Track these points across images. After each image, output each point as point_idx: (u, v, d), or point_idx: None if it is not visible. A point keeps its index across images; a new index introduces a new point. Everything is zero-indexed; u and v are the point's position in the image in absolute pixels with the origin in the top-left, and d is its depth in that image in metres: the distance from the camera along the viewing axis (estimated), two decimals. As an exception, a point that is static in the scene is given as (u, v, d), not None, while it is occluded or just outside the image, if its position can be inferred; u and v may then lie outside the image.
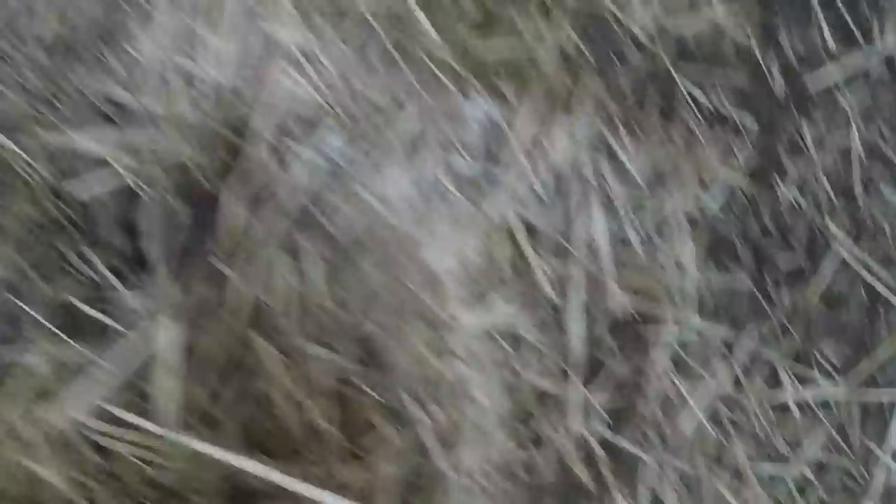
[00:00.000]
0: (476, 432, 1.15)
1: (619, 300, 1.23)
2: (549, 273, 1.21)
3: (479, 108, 1.25)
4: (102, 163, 1.26)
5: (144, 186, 1.24)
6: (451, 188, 1.21)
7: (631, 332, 1.26)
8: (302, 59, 1.26)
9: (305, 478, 1.05)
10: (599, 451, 1.24)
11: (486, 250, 1.20)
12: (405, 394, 1.07)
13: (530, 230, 1.24)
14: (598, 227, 1.23)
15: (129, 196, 1.27)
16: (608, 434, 1.25)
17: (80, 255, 1.23)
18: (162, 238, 1.22)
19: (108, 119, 1.28)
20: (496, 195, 1.22)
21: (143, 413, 1.08)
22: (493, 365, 1.18)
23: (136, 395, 1.10)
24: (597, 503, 1.26)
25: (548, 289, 1.20)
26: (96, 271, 1.22)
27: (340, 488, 1.05)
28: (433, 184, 1.22)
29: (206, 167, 1.21)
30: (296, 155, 1.18)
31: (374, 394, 1.06)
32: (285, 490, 1.05)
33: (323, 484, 1.05)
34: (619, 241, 1.28)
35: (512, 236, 1.22)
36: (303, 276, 1.09)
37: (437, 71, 1.28)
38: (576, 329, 1.21)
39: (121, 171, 1.24)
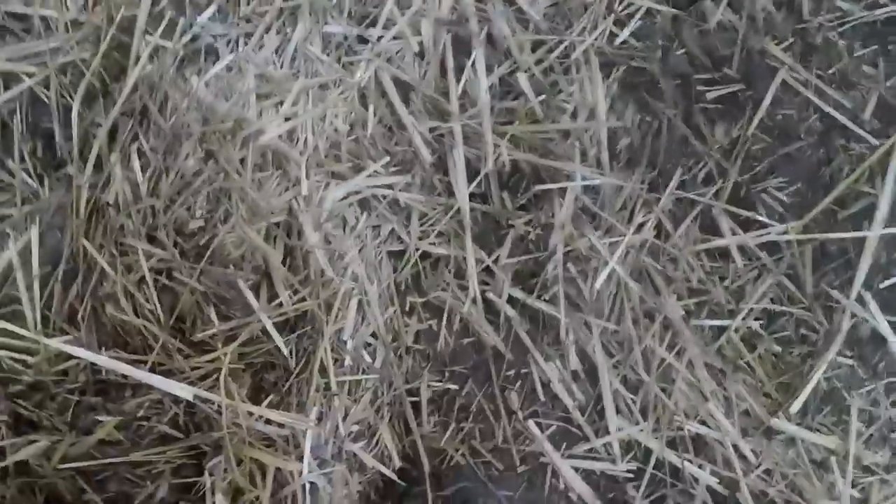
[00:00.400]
0: (350, 307, 1.06)
1: (510, 156, 1.11)
2: (426, 134, 1.10)
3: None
4: (12, 76, 1.22)
5: (47, 92, 1.20)
6: (321, 55, 1.11)
7: (529, 188, 1.14)
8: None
9: (153, 368, 1.01)
10: (511, 313, 1.13)
11: (357, 116, 1.10)
12: (240, 281, 1.00)
13: (406, 89, 1.13)
14: (480, 80, 1.11)
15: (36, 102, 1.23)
16: (520, 295, 1.14)
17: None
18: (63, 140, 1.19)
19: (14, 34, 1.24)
20: (370, 57, 1.12)
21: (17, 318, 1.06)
22: (372, 235, 1.10)
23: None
24: (517, 367, 1.15)
25: (424, 151, 1.09)
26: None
27: (182, 375, 1.00)
28: (303, 52, 1.13)
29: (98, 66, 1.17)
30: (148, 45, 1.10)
31: (197, 285, 1.00)
32: (140, 383, 1.01)
33: (167, 373, 1.00)
34: (512, 92, 1.15)
35: (386, 99, 1.12)
36: (133, 176, 1.03)
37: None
38: (462, 188, 1.10)
39: (26, 80, 1.20)
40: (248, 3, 1.17)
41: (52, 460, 1.04)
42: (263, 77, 1.12)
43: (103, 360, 1.01)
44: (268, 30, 1.16)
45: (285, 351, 1.03)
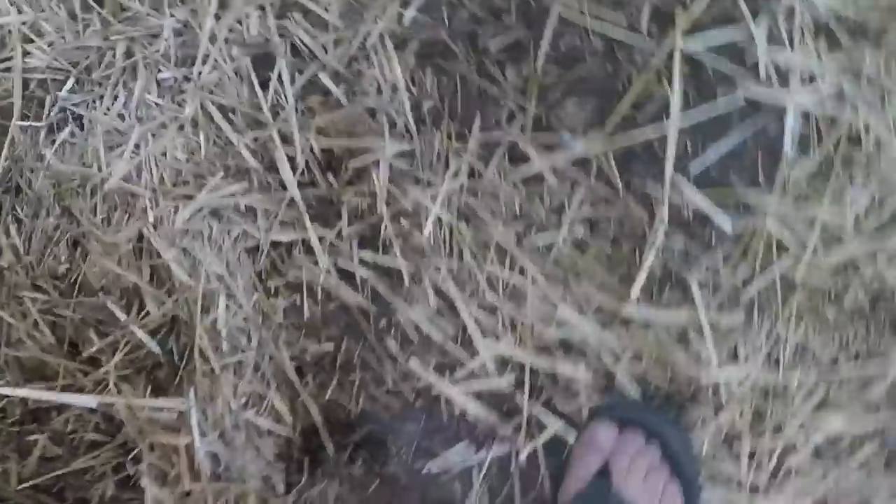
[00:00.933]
0: (219, 302, 1.26)
1: (323, 143, 1.29)
2: (251, 144, 1.29)
3: (171, 19, 1.34)
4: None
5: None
6: (158, 100, 1.32)
7: (348, 165, 1.31)
8: (32, 35, 1.42)
9: (64, 389, 1.23)
10: (366, 273, 1.30)
11: (193, 144, 1.30)
12: (108, 303, 1.21)
13: (228, 112, 1.32)
14: (286, 87, 1.29)
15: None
16: (368, 257, 1.31)
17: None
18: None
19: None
20: (194, 92, 1.31)
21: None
22: (227, 239, 1.29)
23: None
24: (382, 319, 1.32)
25: (251, 159, 1.28)
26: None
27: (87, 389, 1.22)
28: (143, 101, 1.33)
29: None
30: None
31: (74, 315, 1.22)
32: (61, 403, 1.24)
33: (78, 390, 1.22)
34: (320, 91, 1.33)
35: (214, 123, 1.31)
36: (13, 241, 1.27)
37: (130, 4, 1.39)
38: (290, 182, 1.28)
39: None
40: (98, 70, 1.36)
41: (11, 483, 1.26)
42: (112, 131, 1.31)
43: (25, 392, 1.23)
44: (115, 88, 1.35)
45: (156, 350, 1.22)
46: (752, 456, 1.31)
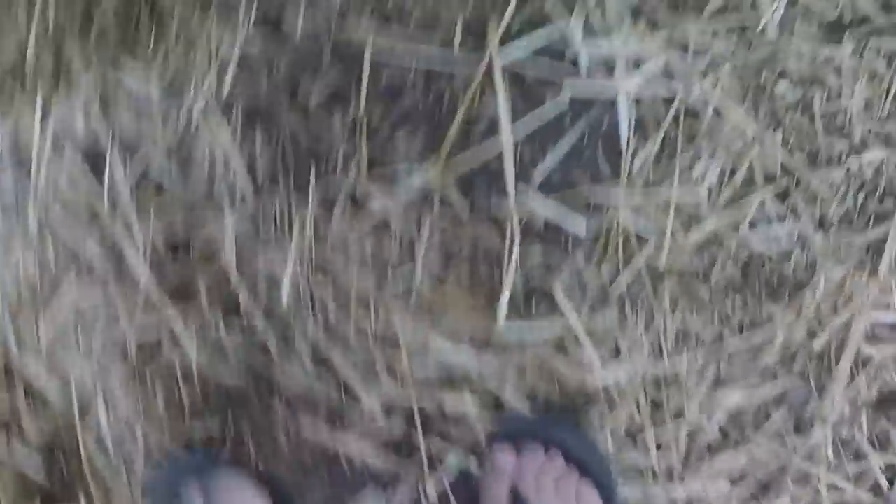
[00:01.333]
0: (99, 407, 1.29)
1: (164, 225, 1.32)
2: (97, 240, 1.33)
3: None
4: None
5: None
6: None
7: (195, 242, 1.34)
8: None
9: None
10: (237, 347, 1.34)
11: (42, 256, 1.33)
12: None
13: (70, 213, 1.35)
14: (119, 184, 1.32)
15: None
16: (235, 330, 1.34)
17: None
18: None
19: None
20: (33, 202, 1.35)
21: None
22: (96, 342, 1.32)
23: None
24: (263, 387, 1.35)
25: (100, 256, 1.32)
26: None
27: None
28: None
29: None
30: None
31: None
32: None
33: None
34: (155, 173, 1.35)
35: (58, 229, 1.34)
36: None
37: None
38: (140, 270, 1.31)
39: None
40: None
41: None
42: None
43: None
44: None
45: (37, 478, 1.25)
46: (659, 446, 1.30)
